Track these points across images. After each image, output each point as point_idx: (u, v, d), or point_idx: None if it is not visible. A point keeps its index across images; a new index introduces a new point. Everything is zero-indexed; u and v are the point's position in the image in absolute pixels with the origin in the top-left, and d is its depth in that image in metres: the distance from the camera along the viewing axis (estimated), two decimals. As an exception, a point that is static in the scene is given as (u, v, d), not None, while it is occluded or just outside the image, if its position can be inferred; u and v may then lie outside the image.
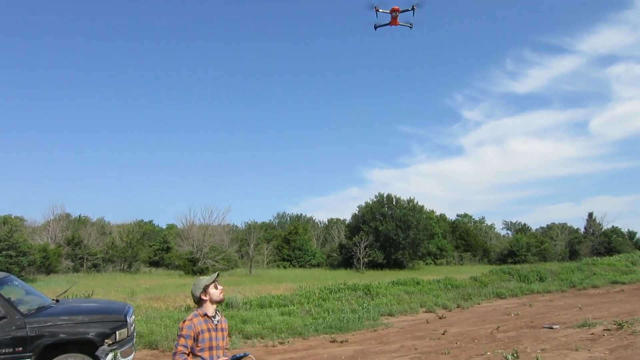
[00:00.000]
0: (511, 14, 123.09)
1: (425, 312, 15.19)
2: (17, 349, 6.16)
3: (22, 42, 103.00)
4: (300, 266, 57.13)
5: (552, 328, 11.33)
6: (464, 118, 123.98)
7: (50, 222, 50.10)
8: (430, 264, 60.02)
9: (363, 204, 60.14)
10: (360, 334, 11.42)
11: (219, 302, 3.68)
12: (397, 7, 19.07)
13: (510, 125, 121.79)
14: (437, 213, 70.56)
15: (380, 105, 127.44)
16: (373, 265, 52.65)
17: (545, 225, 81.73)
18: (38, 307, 6.91)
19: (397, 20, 19.30)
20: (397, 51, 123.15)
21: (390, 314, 14.41)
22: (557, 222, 79.04)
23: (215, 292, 3.63)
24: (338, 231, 68.97)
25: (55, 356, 6.37)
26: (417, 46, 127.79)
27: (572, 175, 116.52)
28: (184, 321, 3.53)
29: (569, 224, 75.91)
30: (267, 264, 55.22)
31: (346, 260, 54.66)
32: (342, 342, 10.48)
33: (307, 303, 15.46)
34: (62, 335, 6.40)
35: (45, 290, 13.02)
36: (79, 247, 46.05)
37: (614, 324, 11.09)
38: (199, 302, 3.63)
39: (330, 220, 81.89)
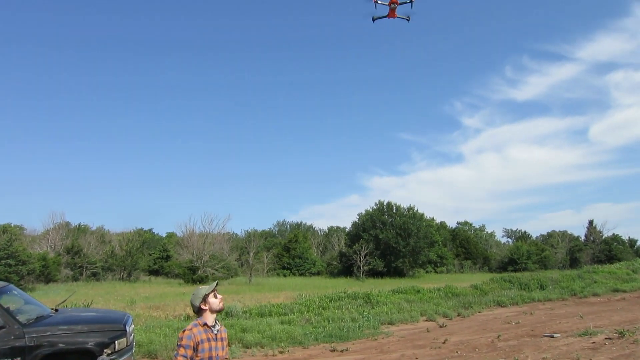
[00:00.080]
0: (510, 21, 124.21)
1: (426, 320, 15.13)
2: (15, 359, 6.14)
3: (23, 51, 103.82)
4: (300, 274, 56.95)
5: (553, 337, 11.29)
6: (464, 125, 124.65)
7: (50, 230, 50.05)
8: (431, 272, 59.78)
9: (363, 212, 60.07)
10: (361, 343, 11.37)
11: (218, 312, 3.67)
12: None
13: (510, 133, 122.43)
14: (437, 221, 70.41)
15: (380, 113, 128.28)
16: (373, 273, 52.44)
17: (545, 233, 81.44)
18: (37, 316, 6.89)
19: (395, 13, 19.34)
20: (397, 59, 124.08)
21: (391, 323, 14.33)
22: (557, 230, 78.69)
23: (214, 302, 3.63)
24: (338, 239, 68.79)
25: (54, 366, 6.34)
26: (417, 54, 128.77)
27: (572, 183, 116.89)
28: (184, 331, 3.52)
29: (569, 232, 75.57)
30: (267, 272, 55.07)
31: (346, 269, 54.45)
32: (342, 351, 10.44)
33: (307, 312, 15.39)
34: (61, 345, 6.39)
35: (44, 300, 12.98)
36: (79, 255, 45.97)
37: (616, 333, 11.07)
38: (199, 311, 3.62)
39: (330, 228, 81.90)
